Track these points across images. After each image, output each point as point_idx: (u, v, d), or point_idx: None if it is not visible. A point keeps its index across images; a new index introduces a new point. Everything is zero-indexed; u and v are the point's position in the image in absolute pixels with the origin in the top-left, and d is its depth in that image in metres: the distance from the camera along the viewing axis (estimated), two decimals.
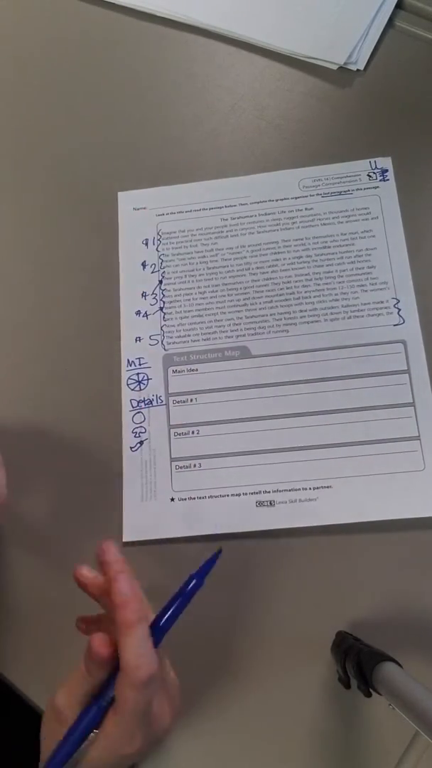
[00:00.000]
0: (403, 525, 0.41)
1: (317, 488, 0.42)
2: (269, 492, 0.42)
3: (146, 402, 0.46)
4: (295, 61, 0.54)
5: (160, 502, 0.43)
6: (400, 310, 0.46)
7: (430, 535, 0.41)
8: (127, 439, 0.45)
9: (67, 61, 0.57)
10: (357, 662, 0.33)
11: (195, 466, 0.44)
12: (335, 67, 0.53)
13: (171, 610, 0.32)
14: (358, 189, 0.49)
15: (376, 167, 0.50)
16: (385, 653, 0.33)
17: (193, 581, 0.32)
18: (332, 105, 0.53)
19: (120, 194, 0.52)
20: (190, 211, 0.51)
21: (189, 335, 0.47)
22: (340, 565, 0.41)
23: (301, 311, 0.46)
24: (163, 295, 0.48)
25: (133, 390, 0.46)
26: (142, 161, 0.53)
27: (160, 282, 0.49)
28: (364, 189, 0.49)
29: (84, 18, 0.58)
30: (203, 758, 0.38)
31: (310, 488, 0.42)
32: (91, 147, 0.54)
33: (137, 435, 0.45)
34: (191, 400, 0.45)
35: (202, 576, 0.33)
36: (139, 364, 0.47)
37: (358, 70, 0.53)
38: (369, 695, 0.32)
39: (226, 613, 0.41)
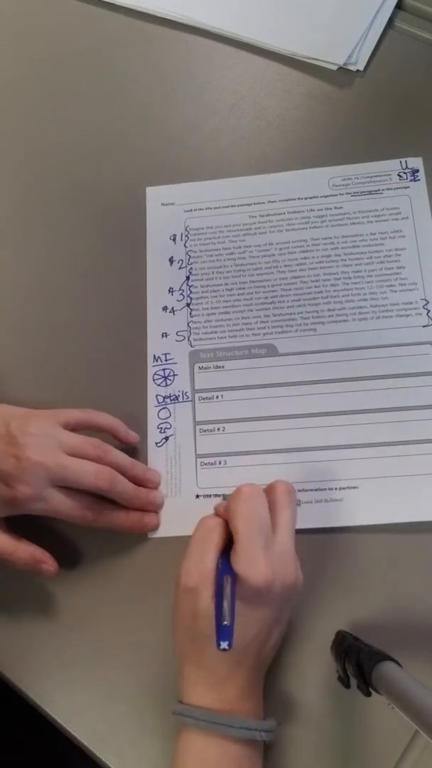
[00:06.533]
0: (403, 526, 0.41)
1: (343, 488, 0.42)
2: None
3: (172, 398, 0.45)
4: (295, 62, 0.54)
5: (184, 499, 0.43)
6: (429, 311, 0.45)
7: (430, 535, 0.41)
8: (152, 435, 0.45)
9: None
10: (357, 662, 0.33)
11: (220, 463, 0.44)
12: (335, 68, 0.53)
13: None
14: (388, 189, 0.49)
15: (406, 167, 0.49)
16: (385, 653, 0.33)
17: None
18: (332, 105, 0.52)
19: (148, 189, 0.52)
20: (218, 207, 0.50)
21: (216, 332, 0.47)
22: (341, 565, 0.41)
23: (329, 310, 0.46)
24: (191, 291, 0.48)
25: (158, 386, 0.46)
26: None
27: (188, 278, 0.49)
28: (395, 189, 0.49)
29: (84, 18, 0.58)
30: None
31: (336, 488, 0.42)
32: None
33: (162, 431, 0.45)
34: (217, 397, 0.45)
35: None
36: (166, 360, 0.46)
37: (357, 70, 0.53)
38: (369, 695, 0.32)
39: None
